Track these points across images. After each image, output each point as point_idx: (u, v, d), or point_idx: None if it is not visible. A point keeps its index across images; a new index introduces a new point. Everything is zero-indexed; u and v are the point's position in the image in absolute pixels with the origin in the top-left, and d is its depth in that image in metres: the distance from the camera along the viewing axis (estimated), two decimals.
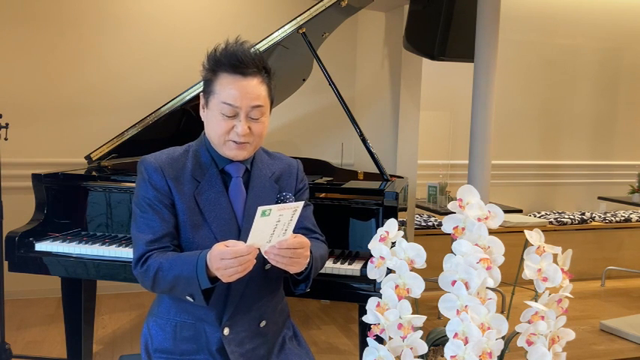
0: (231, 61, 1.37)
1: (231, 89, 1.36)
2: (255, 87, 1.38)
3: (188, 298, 1.33)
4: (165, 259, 1.33)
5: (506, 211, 1.20)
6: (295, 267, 1.30)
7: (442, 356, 1.06)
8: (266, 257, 1.27)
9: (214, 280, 1.27)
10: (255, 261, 1.25)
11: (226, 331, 1.40)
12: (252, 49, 1.43)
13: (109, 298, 3.66)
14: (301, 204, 1.23)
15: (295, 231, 1.34)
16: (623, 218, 4.69)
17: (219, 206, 1.41)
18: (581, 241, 4.41)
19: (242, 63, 1.37)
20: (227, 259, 1.21)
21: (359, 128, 2.40)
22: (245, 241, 1.22)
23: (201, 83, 1.45)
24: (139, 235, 1.38)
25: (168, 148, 1.48)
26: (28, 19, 3.51)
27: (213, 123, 1.39)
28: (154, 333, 1.45)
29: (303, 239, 1.30)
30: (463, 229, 1.11)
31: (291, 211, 1.20)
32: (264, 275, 1.44)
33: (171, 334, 1.43)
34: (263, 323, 1.46)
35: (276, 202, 1.48)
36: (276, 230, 1.21)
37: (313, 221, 1.58)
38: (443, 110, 4.52)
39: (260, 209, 1.15)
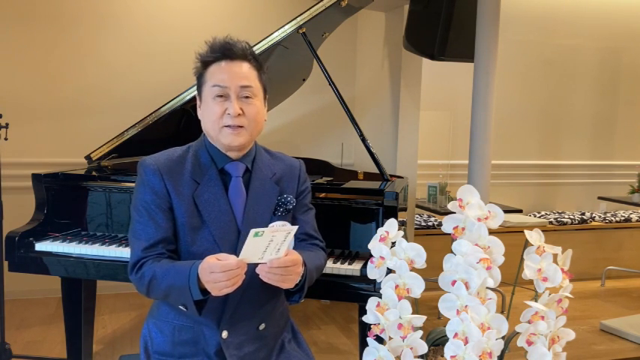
0: (219, 50, 1.40)
1: (220, 73, 1.39)
2: (243, 70, 1.41)
3: (181, 307, 1.34)
4: (159, 268, 1.32)
5: (506, 211, 1.20)
6: (287, 284, 1.29)
7: (442, 356, 1.06)
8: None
9: (206, 291, 1.26)
10: (244, 276, 1.24)
11: (225, 334, 1.39)
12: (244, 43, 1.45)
13: (109, 298, 3.66)
14: (295, 228, 1.22)
15: (295, 236, 1.33)
16: (623, 218, 4.69)
17: (218, 208, 1.40)
18: (581, 241, 4.41)
19: (229, 49, 1.40)
20: (216, 273, 1.20)
21: (359, 128, 2.39)
22: (241, 248, 1.22)
23: None
24: (134, 240, 1.39)
25: (168, 149, 1.47)
26: (28, 19, 3.51)
27: (208, 112, 1.41)
28: (153, 335, 1.45)
29: (295, 257, 1.28)
30: (463, 229, 1.11)
31: (284, 232, 1.20)
32: None
33: (170, 336, 1.42)
34: (262, 326, 1.45)
35: (277, 205, 1.46)
36: (269, 248, 1.21)
37: (314, 226, 1.56)
38: (443, 110, 4.52)
39: (253, 231, 1.15)
